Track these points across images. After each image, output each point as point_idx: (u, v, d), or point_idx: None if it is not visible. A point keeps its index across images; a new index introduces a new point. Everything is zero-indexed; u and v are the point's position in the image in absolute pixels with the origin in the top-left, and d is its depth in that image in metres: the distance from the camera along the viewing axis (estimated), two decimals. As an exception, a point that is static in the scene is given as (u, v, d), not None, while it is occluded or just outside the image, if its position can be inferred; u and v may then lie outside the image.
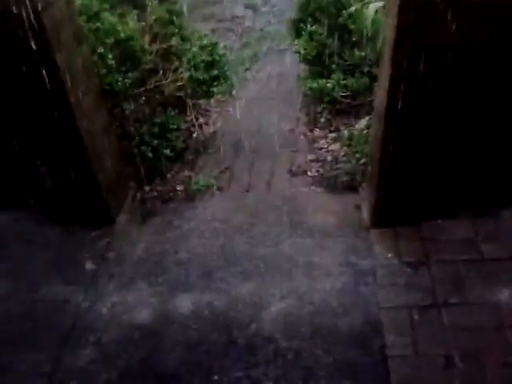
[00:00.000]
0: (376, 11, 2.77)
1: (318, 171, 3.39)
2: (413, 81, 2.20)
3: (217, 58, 3.23)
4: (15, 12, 2.05)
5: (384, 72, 2.34)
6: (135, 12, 3.30)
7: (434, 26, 2.00)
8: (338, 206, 2.98)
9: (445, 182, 2.54)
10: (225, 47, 3.80)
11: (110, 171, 2.83)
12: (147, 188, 3.25)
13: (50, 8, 2.15)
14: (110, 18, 2.96)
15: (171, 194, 3.25)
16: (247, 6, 6.08)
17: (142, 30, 3.33)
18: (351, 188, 3.13)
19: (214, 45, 3.28)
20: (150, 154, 3.10)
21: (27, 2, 2.02)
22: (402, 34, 2.07)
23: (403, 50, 2.11)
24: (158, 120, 3.20)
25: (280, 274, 2.57)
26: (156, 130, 3.19)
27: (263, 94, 4.36)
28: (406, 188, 2.56)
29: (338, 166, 3.36)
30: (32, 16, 2.06)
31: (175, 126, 3.31)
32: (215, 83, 3.28)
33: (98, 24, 2.94)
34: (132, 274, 2.64)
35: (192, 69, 3.14)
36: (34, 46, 2.17)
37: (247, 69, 4.78)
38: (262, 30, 5.42)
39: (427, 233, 2.60)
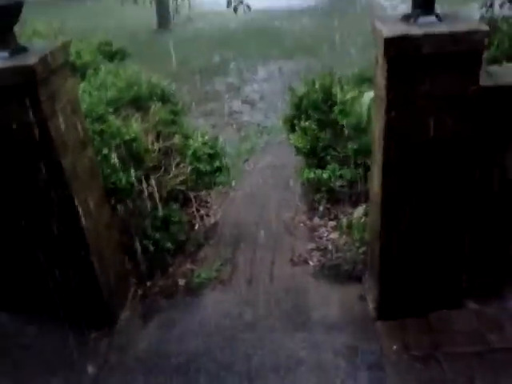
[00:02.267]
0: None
1: (319, 260, 3.39)
2: (405, 172, 2.28)
3: (218, 150, 3.37)
4: (23, 122, 2.17)
5: (376, 163, 2.43)
6: (138, 114, 3.49)
7: (418, 122, 2.12)
8: (342, 297, 2.95)
9: (447, 270, 2.54)
10: (224, 141, 3.96)
11: (112, 269, 2.83)
12: (148, 283, 3.23)
13: (55, 116, 2.27)
14: (115, 121, 3.12)
15: (173, 288, 3.22)
16: (244, 102, 6.44)
17: (145, 130, 3.51)
18: (354, 277, 3.11)
19: (215, 140, 3.43)
20: (152, 248, 3.12)
21: (33, 114, 2.14)
22: (390, 130, 2.18)
23: (393, 144, 2.21)
24: (160, 214, 3.27)
25: (285, 372, 2.48)
26: (158, 223, 3.24)
27: (262, 185, 4.48)
28: (409, 278, 2.55)
29: (339, 254, 3.37)
30: (37, 126, 2.18)
31: (177, 219, 3.36)
32: (217, 174, 3.40)
33: (103, 127, 3.11)
34: (133, 379, 2.55)
35: (195, 161, 3.26)
36: (41, 153, 2.27)
37: (246, 160, 4.96)
38: (259, 124, 5.69)
39: (434, 324, 2.54)
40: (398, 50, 2.00)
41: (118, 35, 10.86)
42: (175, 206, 3.44)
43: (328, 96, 3.72)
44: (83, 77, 3.93)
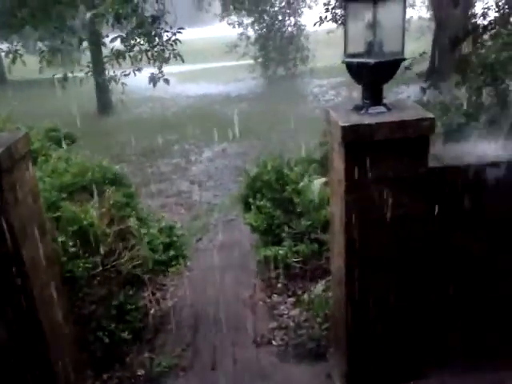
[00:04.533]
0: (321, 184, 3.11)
1: (282, 339, 3.36)
2: (367, 248, 2.39)
3: (175, 239, 3.35)
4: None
5: (336, 241, 2.54)
6: (92, 199, 3.45)
7: (375, 202, 2.27)
8: (309, 376, 2.92)
9: (412, 342, 2.61)
10: (180, 227, 3.96)
11: (68, 361, 2.65)
12: (106, 376, 3.04)
13: (17, 205, 2.22)
14: (70, 207, 3.07)
15: (132, 380, 3.05)
16: (192, 182, 6.53)
17: (100, 215, 3.45)
18: (319, 355, 3.10)
19: (172, 227, 3.43)
20: (107, 339, 2.97)
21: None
22: (350, 210, 2.32)
23: (353, 223, 2.34)
24: (115, 302, 3.14)
25: None
26: (113, 312, 3.11)
27: (218, 263, 4.46)
28: (376, 351, 2.59)
29: (302, 332, 3.36)
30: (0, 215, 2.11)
31: (133, 307, 3.24)
32: (173, 263, 3.36)
33: (59, 213, 3.04)
34: None
35: (151, 251, 3.22)
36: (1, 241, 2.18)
37: (199, 239, 4.95)
38: (208, 203, 5.77)
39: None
40: (353, 137, 2.18)
41: (60, 120, 10.88)
42: (131, 292, 3.33)
43: (280, 176, 3.89)
44: (34, 163, 3.87)
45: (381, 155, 2.25)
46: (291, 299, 3.76)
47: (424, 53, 5.15)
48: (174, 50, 5.80)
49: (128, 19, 4.22)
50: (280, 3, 17.26)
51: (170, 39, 5.74)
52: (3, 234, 2.17)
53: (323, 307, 3.24)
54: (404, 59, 2.22)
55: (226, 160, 7.58)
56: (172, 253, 3.35)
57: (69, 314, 2.74)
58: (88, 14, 4.14)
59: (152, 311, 3.73)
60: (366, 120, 2.22)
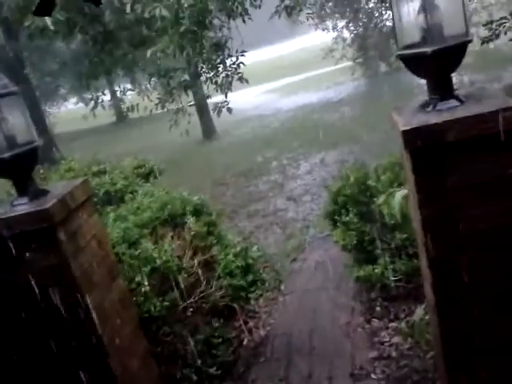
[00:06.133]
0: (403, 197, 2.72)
1: (383, 371, 3.00)
2: (454, 268, 1.99)
3: (251, 262, 3.20)
4: (44, 265, 2.13)
5: (422, 259, 2.17)
6: (173, 233, 3.44)
7: (456, 215, 1.88)
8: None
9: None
10: (262, 245, 3.81)
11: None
12: (195, 417, 2.96)
13: (79, 254, 2.23)
14: (147, 245, 3.08)
15: (222, 419, 2.93)
16: (289, 198, 6.36)
17: (181, 247, 3.44)
18: (425, 391, 2.69)
19: (246, 249, 3.28)
20: (195, 377, 2.89)
21: (54, 256, 2.10)
22: (427, 226, 1.95)
23: (434, 240, 1.96)
24: (201, 336, 3.07)
25: None
26: (199, 347, 3.03)
27: (313, 285, 4.22)
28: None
29: (406, 362, 2.98)
30: (59, 267, 2.13)
31: (220, 340, 3.14)
32: (253, 288, 3.20)
33: (139, 251, 3.07)
34: None
35: (228, 276, 3.10)
36: (64, 293, 2.20)
37: (294, 260, 4.75)
38: (304, 219, 5.54)
39: None
40: (418, 141, 1.83)
41: (168, 150, 11.56)
42: (218, 324, 3.23)
43: (365, 188, 3.54)
44: (121, 201, 4.02)
45: (457, 158, 1.85)
46: (393, 324, 3.37)
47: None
48: (238, 73, 5.72)
49: (192, 50, 4.24)
50: (374, -1, 16.56)
51: (234, 63, 5.67)
52: (66, 285, 2.18)
53: (424, 334, 2.83)
54: (469, 41, 1.82)
55: (323, 171, 7.29)
56: (250, 277, 3.19)
57: (148, 356, 2.71)
58: (149, 52, 4.25)
59: (245, 342, 3.61)
60: (433, 119, 1.84)
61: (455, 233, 1.93)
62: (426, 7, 1.78)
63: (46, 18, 4.10)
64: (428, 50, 1.79)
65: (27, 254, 2.17)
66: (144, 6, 4.26)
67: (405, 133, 1.84)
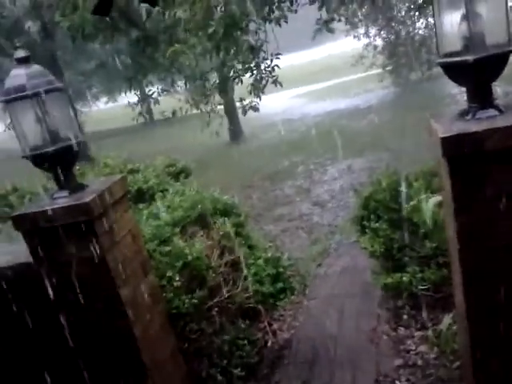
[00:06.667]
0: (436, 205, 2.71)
1: (408, 379, 2.98)
2: (489, 280, 1.98)
3: (281, 270, 3.21)
4: (83, 257, 2.20)
5: (455, 268, 2.16)
6: (203, 231, 3.49)
7: (494, 225, 1.86)
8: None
9: None
10: (289, 250, 3.82)
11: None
12: (219, 415, 2.99)
13: (114, 248, 2.29)
14: (178, 242, 3.13)
15: (245, 419, 2.95)
16: (315, 204, 6.36)
17: (210, 247, 3.48)
18: (451, 402, 2.67)
19: (278, 258, 3.30)
20: (220, 377, 2.92)
21: (92, 248, 2.17)
22: (463, 235, 1.94)
23: (469, 250, 1.95)
24: (227, 337, 3.09)
25: None
26: (226, 347, 3.06)
27: (338, 291, 4.20)
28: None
29: (431, 371, 2.95)
30: (97, 258, 2.19)
31: (245, 342, 3.16)
32: (281, 296, 3.21)
33: (170, 248, 3.12)
34: None
35: (257, 283, 3.12)
36: (99, 285, 2.26)
37: (319, 265, 4.74)
38: (329, 224, 5.53)
39: None
40: (457, 149, 1.83)
41: (196, 151, 11.69)
42: (244, 325, 3.26)
43: (396, 194, 3.52)
44: (152, 199, 4.09)
45: (496, 168, 1.84)
46: (420, 333, 3.34)
47: None
48: (273, 76, 5.79)
49: (228, 52, 4.30)
50: (408, 7, 16.40)
51: (268, 67, 5.73)
52: (100, 277, 2.25)
53: (450, 343, 2.79)
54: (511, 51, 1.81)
55: (350, 177, 7.27)
56: (280, 285, 3.21)
57: (176, 352, 2.75)
58: (170, 50, 4.32)
59: (269, 344, 3.62)
60: (473, 127, 1.84)
61: (490, 243, 1.92)
62: (469, 15, 1.78)
63: (86, 19, 4.22)
64: (470, 58, 1.79)
65: (66, 247, 2.24)
66: (176, 7, 4.32)
67: (444, 140, 1.84)
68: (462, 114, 1.98)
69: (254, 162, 9.67)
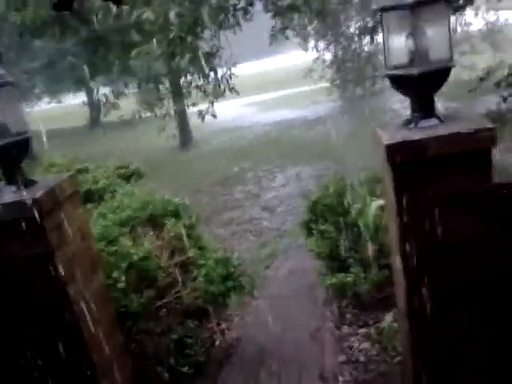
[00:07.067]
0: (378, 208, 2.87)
1: (351, 374, 3.11)
2: (428, 279, 2.12)
3: (231, 270, 3.27)
4: (30, 254, 2.15)
5: (396, 269, 2.29)
6: (153, 232, 3.48)
7: (433, 226, 2.01)
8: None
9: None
10: (239, 251, 3.89)
11: (125, 401, 2.63)
12: (165, 414, 2.98)
13: (63, 245, 2.26)
14: (125, 241, 3.11)
15: (192, 418, 2.97)
16: (264, 208, 6.48)
17: (160, 247, 3.48)
18: (390, 395, 2.81)
19: (228, 258, 3.35)
20: (166, 375, 2.92)
21: (40, 245, 2.13)
22: (404, 235, 2.07)
23: (410, 250, 2.08)
24: (174, 336, 3.10)
25: None
26: (172, 346, 3.07)
27: (285, 292, 4.31)
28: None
29: (372, 367, 3.09)
30: (45, 255, 2.16)
31: (192, 340, 3.18)
32: (231, 294, 3.27)
33: (116, 247, 3.10)
34: None
35: (208, 283, 3.16)
36: (47, 281, 2.22)
37: (267, 267, 4.84)
38: (278, 228, 5.66)
39: None
40: (400, 155, 1.96)
41: (146, 155, 11.55)
42: (192, 324, 3.28)
43: (342, 199, 3.68)
44: (102, 200, 4.03)
45: (435, 174, 1.99)
46: (363, 330, 3.49)
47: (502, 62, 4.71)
48: (229, 84, 5.89)
49: (182, 56, 4.33)
50: (356, 24, 17.01)
51: (225, 74, 5.83)
52: (48, 274, 2.21)
53: (392, 340, 2.95)
54: (452, 66, 1.97)
55: (298, 184, 7.45)
56: (230, 284, 3.26)
57: (124, 351, 2.74)
58: (133, 52, 4.32)
59: (217, 343, 3.66)
60: (416, 135, 1.98)
61: (430, 243, 2.06)
62: (415, 32, 1.93)
63: (38, 15, 4.12)
64: (414, 71, 1.94)
65: (13, 243, 2.18)
66: (132, 9, 4.32)
67: (388, 147, 1.97)
68: (406, 124, 2.12)
69: (204, 166, 9.68)
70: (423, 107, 2.06)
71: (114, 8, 4.12)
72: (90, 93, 16.71)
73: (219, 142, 13.10)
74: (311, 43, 17.50)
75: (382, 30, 2.03)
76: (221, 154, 11.12)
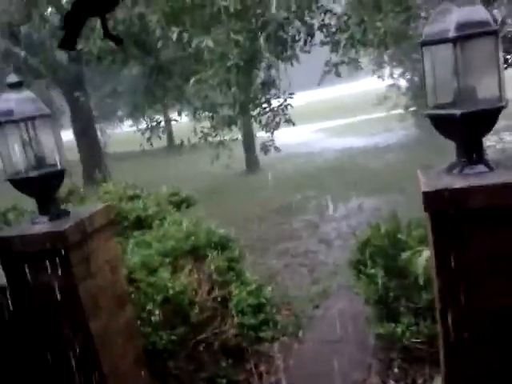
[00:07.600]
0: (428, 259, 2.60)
1: None
2: (468, 345, 1.85)
3: (263, 300, 3.12)
4: (54, 285, 2.15)
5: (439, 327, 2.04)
6: (193, 264, 3.42)
7: (477, 287, 1.75)
8: None
9: None
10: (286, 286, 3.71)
11: None
12: None
13: (88, 278, 2.25)
14: (165, 273, 3.07)
15: None
16: (321, 241, 6.25)
17: (198, 281, 3.41)
18: None
19: (260, 287, 3.21)
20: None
21: (64, 277, 2.12)
22: (443, 294, 1.84)
23: (449, 311, 1.84)
24: (204, 374, 2.99)
25: None
26: (202, 386, 2.95)
27: (333, 336, 4.05)
28: None
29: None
30: (68, 290, 2.15)
31: (224, 381, 3.04)
32: (264, 327, 3.10)
33: (155, 278, 3.06)
34: None
35: (239, 314, 3.03)
36: (69, 315, 2.21)
37: (316, 306, 4.60)
38: (333, 264, 5.40)
39: None
40: (438, 204, 1.75)
41: (210, 179, 11.73)
42: (225, 364, 3.15)
43: (395, 241, 3.41)
44: (150, 227, 4.05)
45: (481, 227, 1.75)
46: (410, 388, 3.18)
47: None
48: (285, 114, 5.80)
49: (238, 86, 4.32)
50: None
51: (281, 105, 5.74)
52: (71, 307, 2.19)
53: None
54: (502, 106, 1.73)
55: (360, 217, 7.14)
56: (262, 316, 3.10)
57: (149, 389, 2.66)
58: (191, 81, 4.36)
59: (253, 386, 3.49)
60: (458, 183, 1.76)
61: (469, 306, 1.81)
62: (459, 67, 1.73)
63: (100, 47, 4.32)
64: (457, 112, 1.73)
65: (39, 273, 2.20)
66: (191, 37, 4.37)
67: (426, 194, 1.77)
68: (450, 169, 1.90)
69: (266, 193, 9.61)
70: (469, 152, 1.83)
71: (173, 36, 4.21)
72: (167, 117, 17.44)
73: (286, 167, 13.03)
74: (386, 70, 17.13)
75: (423, 65, 1.84)
76: (287, 180, 11.02)
